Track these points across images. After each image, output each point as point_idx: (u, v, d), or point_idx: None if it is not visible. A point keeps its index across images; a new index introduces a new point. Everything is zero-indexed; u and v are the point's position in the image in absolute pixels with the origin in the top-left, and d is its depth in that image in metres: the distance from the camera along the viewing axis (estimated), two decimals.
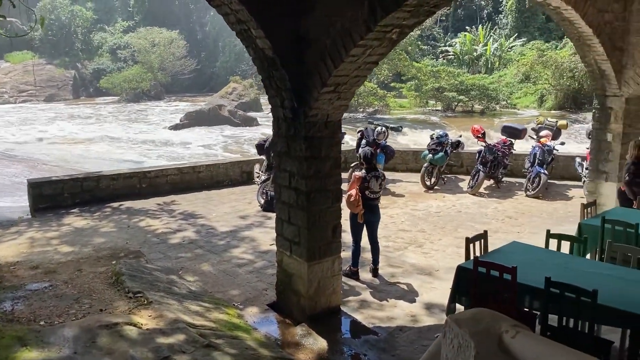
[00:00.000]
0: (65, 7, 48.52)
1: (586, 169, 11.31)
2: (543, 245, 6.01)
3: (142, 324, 4.77)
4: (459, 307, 5.25)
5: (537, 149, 11.58)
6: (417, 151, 13.54)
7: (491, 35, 40.87)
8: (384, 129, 11.62)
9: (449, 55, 41.38)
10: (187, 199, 11.11)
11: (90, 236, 8.67)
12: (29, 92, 43.48)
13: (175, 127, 29.85)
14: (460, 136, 13.15)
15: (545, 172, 11.24)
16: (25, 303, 5.35)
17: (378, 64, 5.14)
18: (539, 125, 13.27)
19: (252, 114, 32.39)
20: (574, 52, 28.03)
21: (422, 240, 8.49)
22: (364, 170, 6.92)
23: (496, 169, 11.85)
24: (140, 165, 18.84)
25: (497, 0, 44.66)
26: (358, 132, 11.99)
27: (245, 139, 26.34)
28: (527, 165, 11.86)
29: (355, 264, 6.93)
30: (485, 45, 39.51)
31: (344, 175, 9.18)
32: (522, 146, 14.17)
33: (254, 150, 13.17)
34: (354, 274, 6.91)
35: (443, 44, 43.52)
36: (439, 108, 32.58)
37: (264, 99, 37.75)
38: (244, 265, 7.50)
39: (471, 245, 5.43)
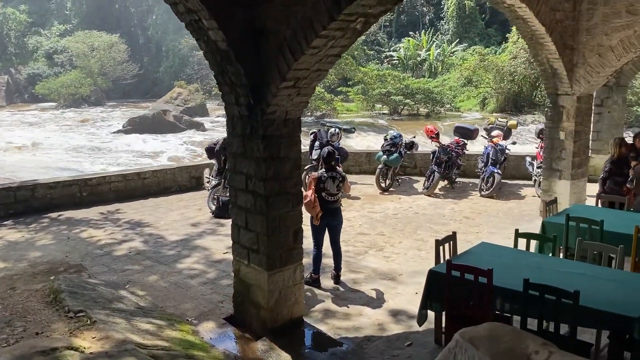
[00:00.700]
0: None
1: (538, 167, 11.45)
2: (510, 245, 5.87)
3: (85, 348, 4.24)
4: (430, 314, 5.01)
5: (490, 148, 11.61)
6: (371, 153, 13.38)
7: (434, 41, 41.94)
8: (337, 130, 11.37)
9: (394, 60, 42.09)
10: (132, 207, 10.47)
11: (26, 250, 7.96)
12: None
13: (118, 133, 28.71)
14: (414, 137, 13.07)
15: (499, 171, 11.27)
16: None
17: (340, 57, 4.82)
18: (490, 125, 13.36)
19: (198, 119, 31.60)
20: (513, 57, 29.06)
21: (382, 243, 8.24)
22: (322, 170, 6.61)
23: (450, 169, 11.80)
24: (80, 173, 17.82)
25: (438, 7, 45.74)
26: (311, 134, 11.68)
27: (193, 143, 25.57)
28: (481, 165, 11.88)
29: (317, 270, 6.58)
30: (429, 50, 40.46)
31: None
32: (471, 147, 14.25)
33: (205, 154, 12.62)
34: (315, 282, 6.55)
35: (387, 49, 44.15)
36: (386, 111, 32.91)
37: (210, 104, 37.11)
38: (197, 276, 7.02)
39: (441, 247, 5.17)
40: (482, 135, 13.23)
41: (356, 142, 21.89)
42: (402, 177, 12.64)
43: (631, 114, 23.83)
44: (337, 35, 4.36)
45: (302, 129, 5.49)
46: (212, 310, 5.98)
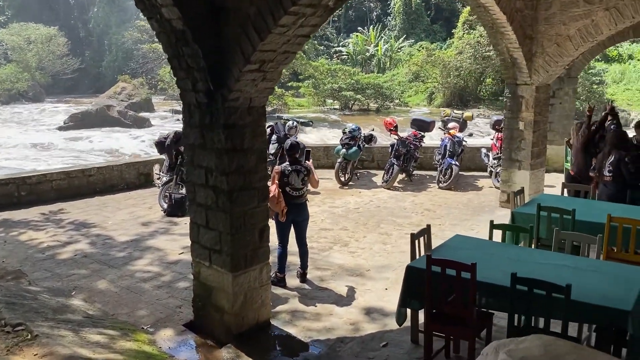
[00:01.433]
0: None
1: (494, 159, 11.45)
2: (480, 236, 5.68)
3: None
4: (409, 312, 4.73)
5: (447, 140, 11.52)
6: (328, 147, 13.08)
7: (382, 37, 42.25)
8: (295, 123, 11.02)
9: (343, 55, 42.28)
10: (77, 207, 9.75)
11: None
12: None
13: (59, 129, 27.27)
14: (373, 130, 12.85)
15: (457, 163, 11.19)
16: None
17: (310, 37, 4.44)
18: (446, 117, 13.31)
19: (144, 114, 30.41)
20: (459, 52, 29.56)
21: (347, 238, 7.93)
22: (285, 164, 6.24)
23: (408, 162, 11.63)
24: (18, 171, 16.65)
25: (385, 2, 46.10)
26: (268, 127, 11.23)
27: (138, 138, 24.56)
28: (438, 157, 11.79)
29: (282, 269, 6.20)
30: (377, 45, 40.79)
31: None
32: (428, 140, 14.16)
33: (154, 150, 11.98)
34: (280, 281, 6.17)
35: (336, 44, 44.18)
36: (337, 107, 32.83)
37: (156, 99, 35.94)
38: (151, 279, 6.50)
39: (416, 241, 4.89)
40: (439, 127, 13.15)
41: (310, 137, 21.57)
42: (361, 170, 12.40)
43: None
44: (307, 12, 3.98)
45: None
46: (169, 316, 5.50)
